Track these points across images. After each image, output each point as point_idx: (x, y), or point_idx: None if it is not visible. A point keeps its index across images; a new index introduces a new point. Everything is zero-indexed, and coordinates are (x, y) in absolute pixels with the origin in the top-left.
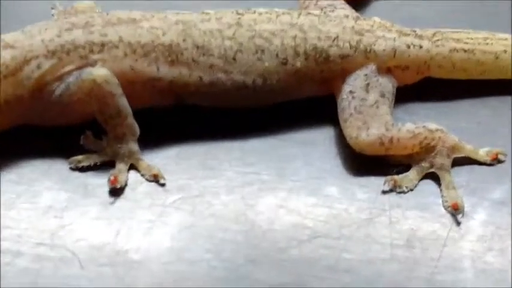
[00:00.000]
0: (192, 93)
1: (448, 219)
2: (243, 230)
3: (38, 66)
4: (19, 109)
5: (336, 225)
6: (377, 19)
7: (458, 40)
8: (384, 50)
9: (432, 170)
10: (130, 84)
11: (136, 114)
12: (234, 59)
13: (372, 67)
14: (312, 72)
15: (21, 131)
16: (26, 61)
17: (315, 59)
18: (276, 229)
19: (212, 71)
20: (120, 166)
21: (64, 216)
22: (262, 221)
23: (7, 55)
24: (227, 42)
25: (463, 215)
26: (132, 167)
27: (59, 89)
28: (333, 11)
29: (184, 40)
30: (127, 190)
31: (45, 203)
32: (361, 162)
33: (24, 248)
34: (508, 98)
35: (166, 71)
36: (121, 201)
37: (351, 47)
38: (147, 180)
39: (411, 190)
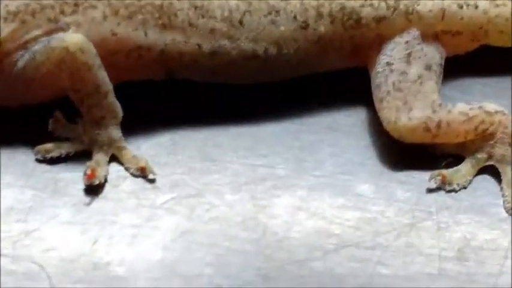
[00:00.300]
0: (189, 65)
1: (510, 224)
2: (253, 237)
3: None
4: None
5: (369, 232)
6: None
7: None
8: (430, 10)
9: (490, 162)
10: (111, 53)
11: (119, 91)
12: (241, 22)
13: (414, 33)
14: (339, 39)
15: None
16: None
17: (342, 23)
18: (294, 237)
19: (214, 37)
20: (99, 157)
21: (29, 219)
22: (277, 227)
23: None
24: (233, 1)
25: None
26: (114, 158)
27: (22, 59)
28: None
29: None
30: (107, 187)
31: (5, 204)
32: (401, 153)
33: None
34: None
35: (156, 37)
36: (99, 202)
37: (388, 7)
38: (132, 175)
39: (464, 188)
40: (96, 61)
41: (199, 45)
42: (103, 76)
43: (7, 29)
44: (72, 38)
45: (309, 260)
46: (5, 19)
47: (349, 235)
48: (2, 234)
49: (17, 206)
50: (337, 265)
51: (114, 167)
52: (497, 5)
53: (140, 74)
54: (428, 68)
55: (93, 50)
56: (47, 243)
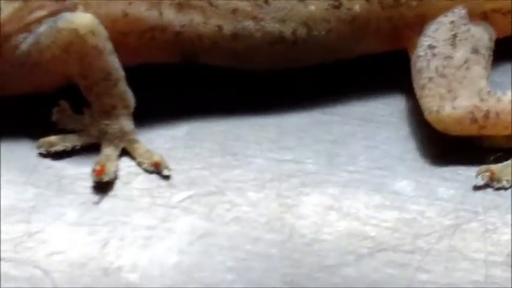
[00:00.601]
0: (208, 49)
1: None
2: (279, 240)
3: None
4: None
5: (408, 235)
6: None
7: None
8: None
9: None
10: (123, 36)
11: (131, 78)
12: (266, 1)
13: (460, 12)
14: (375, 20)
15: None
16: None
17: (379, 1)
18: (325, 239)
19: (236, 17)
20: (108, 151)
21: (32, 220)
22: (306, 228)
23: None
24: None
25: None
26: (125, 152)
27: (25, 43)
28: None
29: None
30: (118, 185)
31: (6, 203)
32: (444, 146)
33: None
34: None
35: (172, 18)
36: (109, 201)
37: None
38: (145, 171)
39: None
40: (107, 45)
41: (219, 27)
42: (114, 62)
43: (8, 9)
44: (82, 19)
45: (340, 265)
46: None
47: (386, 238)
48: (2, 236)
49: (19, 205)
50: (372, 271)
51: (126, 162)
52: None
53: (155, 59)
54: (475, 51)
55: (104, 33)
56: (51, 246)
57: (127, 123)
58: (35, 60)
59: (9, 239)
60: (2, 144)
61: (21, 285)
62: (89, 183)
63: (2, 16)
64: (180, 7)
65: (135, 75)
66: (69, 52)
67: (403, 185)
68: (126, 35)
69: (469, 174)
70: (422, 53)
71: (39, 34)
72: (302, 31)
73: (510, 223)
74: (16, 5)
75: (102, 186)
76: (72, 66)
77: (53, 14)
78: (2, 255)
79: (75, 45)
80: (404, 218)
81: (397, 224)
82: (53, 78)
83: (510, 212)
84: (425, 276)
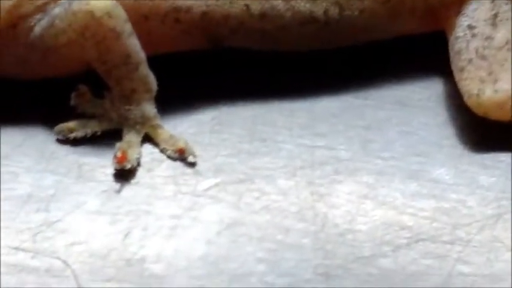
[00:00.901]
0: (235, 30)
1: None
2: (311, 230)
3: None
4: None
5: (448, 224)
6: None
7: None
8: None
9: None
10: (144, 18)
11: (152, 60)
12: None
13: None
14: (411, 0)
15: None
16: None
17: None
18: (360, 229)
19: None
20: (130, 137)
21: (51, 209)
22: (339, 218)
23: None
24: None
25: None
26: (147, 138)
27: (39, 25)
28: None
29: None
30: (140, 172)
31: (24, 191)
32: (485, 132)
33: None
34: None
35: None
36: (132, 189)
37: None
38: (169, 157)
39: None
40: (126, 28)
41: (247, 6)
42: (134, 44)
43: None
44: (98, 1)
45: (376, 256)
46: None
47: (424, 227)
48: (20, 226)
49: (37, 193)
50: (410, 262)
51: (148, 149)
52: None
53: (178, 43)
54: None
55: (123, 15)
56: (71, 236)
57: (149, 108)
58: (50, 43)
59: (27, 228)
60: (18, 130)
61: (40, 276)
62: (110, 170)
63: None
64: None
65: (157, 57)
66: (86, 36)
67: (442, 172)
68: (147, 19)
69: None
70: (461, 34)
71: (54, 16)
72: (334, 11)
73: None
74: None
75: (124, 174)
76: (89, 51)
77: None
78: (20, 246)
79: (92, 29)
80: (443, 207)
81: (435, 213)
82: (69, 63)
83: None
84: (465, 268)
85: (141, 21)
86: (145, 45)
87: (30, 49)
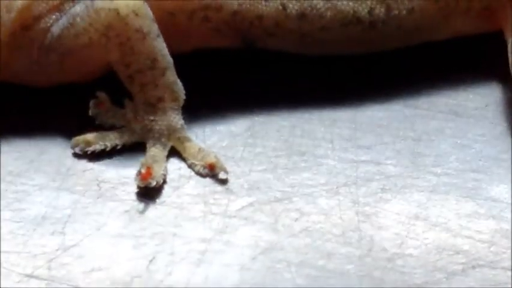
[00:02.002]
0: (270, 32)
1: None
2: (356, 254)
3: None
4: None
5: (508, 248)
6: None
7: None
8: None
9: None
10: (172, 16)
11: (179, 64)
12: None
13: None
14: None
15: None
16: None
17: None
18: (410, 254)
19: None
20: (155, 151)
21: (67, 231)
22: (387, 241)
23: None
24: None
25: None
26: (174, 152)
27: (57, 25)
28: None
29: None
30: (166, 190)
31: (37, 212)
32: None
33: (7, 282)
34: None
35: None
36: (157, 209)
37: None
38: (198, 174)
39: None
40: (153, 28)
41: (283, 6)
42: (161, 47)
43: None
44: None
45: (429, 284)
46: None
47: (482, 252)
48: (34, 251)
49: (52, 214)
50: None
51: (175, 164)
52: None
53: (208, 43)
54: None
55: (150, 14)
56: (90, 261)
57: (176, 119)
58: (69, 45)
59: (41, 253)
60: (32, 143)
61: None
62: (132, 188)
63: None
64: None
65: (185, 61)
66: (109, 36)
67: (501, 190)
68: (173, 16)
69: None
70: None
71: (74, 15)
72: (380, 10)
73: None
74: None
75: (149, 192)
76: (111, 52)
77: None
78: (34, 273)
79: (116, 28)
80: (503, 229)
81: (494, 236)
82: (88, 67)
83: None
84: None
85: (166, 18)
86: (171, 43)
87: (46, 52)
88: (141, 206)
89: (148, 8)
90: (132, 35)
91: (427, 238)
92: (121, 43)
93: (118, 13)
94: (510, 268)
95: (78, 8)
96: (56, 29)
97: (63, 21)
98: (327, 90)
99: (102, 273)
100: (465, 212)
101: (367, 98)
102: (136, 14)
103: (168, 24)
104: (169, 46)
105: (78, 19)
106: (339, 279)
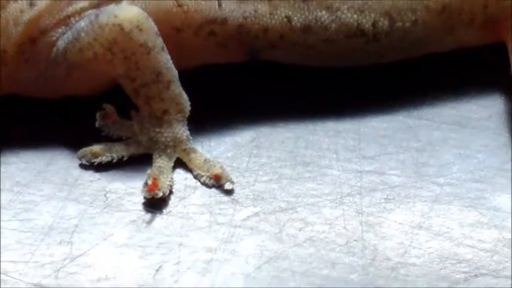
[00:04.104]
0: (275, 44)
1: None
2: (360, 264)
3: (31, 3)
4: (1, 73)
5: (510, 258)
6: None
7: None
8: None
9: None
10: (177, 31)
11: (184, 77)
12: None
13: None
14: (469, 9)
15: (5, 105)
16: None
17: None
18: (413, 263)
19: (307, 7)
20: (161, 162)
21: (74, 241)
22: (391, 250)
23: None
24: None
25: None
26: (180, 163)
27: (62, 39)
28: None
29: None
30: (172, 200)
31: (45, 221)
32: None
33: None
34: None
35: (232, 8)
36: (163, 219)
37: None
38: (203, 184)
39: None
40: (157, 42)
41: (288, 18)
42: (165, 61)
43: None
44: (127, 12)
45: None
46: None
47: (484, 261)
48: (41, 260)
49: (59, 224)
50: None
51: (181, 175)
52: None
53: (214, 57)
54: None
55: (154, 28)
56: (97, 271)
57: (181, 130)
58: (73, 60)
59: (49, 263)
60: (39, 154)
61: None
62: (139, 198)
63: (38, 7)
64: None
65: (190, 72)
66: (113, 51)
67: (503, 200)
68: (179, 31)
69: None
70: None
71: (79, 30)
72: (384, 22)
73: None
74: None
75: (155, 203)
76: (116, 67)
77: (96, 5)
78: (41, 282)
79: (120, 43)
80: (505, 239)
81: (496, 245)
82: (94, 80)
83: None
84: None
85: (172, 34)
86: (176, 58)
87: (52, 65)
88: (148, 216)
89: (152, 22)
90: (136, 50)
91: (430, 247)
92: (126, 58)
93: (122, 28)
94: None
95: (83, 23)
96: (61, 43)
97: (69, 35)
98: (331, 101)
99: (109, 283)
100: (468, 222)
101: (371, 109)
102: (140, 29)
103: (173, 41)
104: (174, 64)
105: (83, 34)
106: None
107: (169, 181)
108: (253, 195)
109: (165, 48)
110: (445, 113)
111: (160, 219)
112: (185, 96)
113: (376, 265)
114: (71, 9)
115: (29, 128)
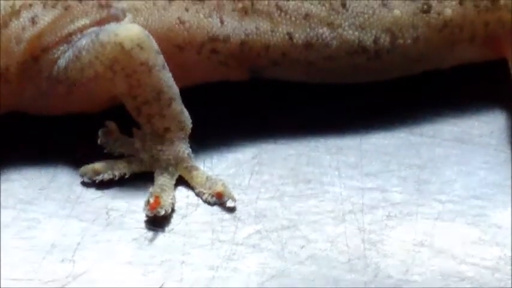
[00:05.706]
0: (276, 61)
1: None
2: (362, 281)
3: (33, 21)
4: (4, 90)
5: None
6: None
7: None
8: None
9: None
10: (178, 49)
11: (185, 94)
12: (343, 4)
13: None
14: (470, 26)
15: (7, 122)
16: (14, 13)
17: (474, 4)
18: (415, 281)
19: (308, 24)
20: (163, 180)
21: (77, 259)
22: (393, 268)
23: None
24: None
25: None
26: (182, 181)
27: (64, 57)
28: None
29: None
30: (175, 218)
31: (47, 239)
32: None
33: None
34: None
35: (234, 26)
36: (166, 237)
37: None
38: (205, 202)
39: None
40: (159, 60)
41: (290, 35)
42: (167, 79)
43: (47, 17)
44: (128, 31)
45: None
46: (45, 5)
47: (486, 278)
48: (44, 278)
49: (62, 242)
50: None
51: (183, 192)
52: None
53: (215, 75)
54: None
55: (155, 46)
56: None
57: (183, 148)
58: (75, 78)
59: (51, 280)
60: (41, 171)
61: None
62: (141, 216)
63: (40, 25)
64: (244, 13)
65: (191, 89)
66: (114, 69)
67: (505, 217)
68: (182, 49)
69: None
70: None
71: (80, 48)
72: (385, 39)
73: None
74: (56, 12)
75: (157, 220)
76: (118, 85)
77: (97, 23)
78: None
79: (121, 62)
80: (507, 256)
81: (498, 262)
82: (95, 98)
83: None
84: None
85: (174, 52)
86: (178, 77)
87: (54, 83)
88: (150, 234)
89: (153, 41)
90: (137, 68)
91: (433, 265)
92: (127, 76)
93: (123, 47)
94: None
95: (84, 41)
96: (62, 62)
97: (70, 53)
98: (332, 118)
99: None
100: (470, 239)
101: (373, 125)
102: (141, 48)
103: (175, 59)
104: (175, 80)
105: (83, 52)
106: None
107: (171, 199)
108: (255, 212)
109: (166, 66)
110: (447, 129)
111: (162, 237)
112: (186, 113)
113: (378, 283)
114: (72, 27)
115: (31, 146)
